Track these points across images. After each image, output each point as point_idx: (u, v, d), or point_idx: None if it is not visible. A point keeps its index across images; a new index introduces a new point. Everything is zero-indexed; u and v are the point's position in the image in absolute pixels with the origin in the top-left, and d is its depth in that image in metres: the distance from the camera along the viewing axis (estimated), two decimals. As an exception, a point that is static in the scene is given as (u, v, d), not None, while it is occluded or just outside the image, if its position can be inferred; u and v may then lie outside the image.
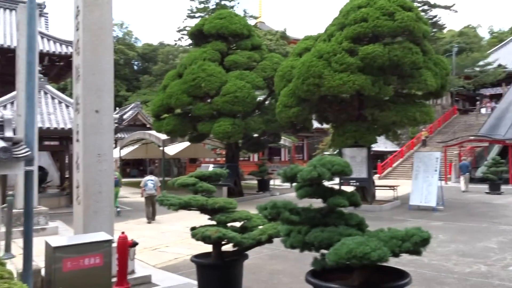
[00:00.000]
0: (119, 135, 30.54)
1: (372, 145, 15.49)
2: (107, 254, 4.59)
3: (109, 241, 4.68)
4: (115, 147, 29.55)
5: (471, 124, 34.39)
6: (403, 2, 13.67)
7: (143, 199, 13.63)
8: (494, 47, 50.10)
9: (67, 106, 16.25)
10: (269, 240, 5.10)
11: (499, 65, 40.93)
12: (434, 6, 40.82)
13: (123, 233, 5.64)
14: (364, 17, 13.05)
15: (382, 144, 33.76)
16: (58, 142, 16.98)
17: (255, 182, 23.90)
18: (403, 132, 34.91)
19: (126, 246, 5.61)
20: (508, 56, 43.51)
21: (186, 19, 49.50)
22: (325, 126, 22.97)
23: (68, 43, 18.71)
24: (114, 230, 5.93)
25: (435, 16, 41.19)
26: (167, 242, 9.86)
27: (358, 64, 12.83)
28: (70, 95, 20.96)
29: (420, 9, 38.01)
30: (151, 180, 13.38)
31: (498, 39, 59.54)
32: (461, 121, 35.73)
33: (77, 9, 5.52)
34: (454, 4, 41.51)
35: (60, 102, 16.51)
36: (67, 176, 17.71)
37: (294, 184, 3.78)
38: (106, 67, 5.55)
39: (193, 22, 39.25)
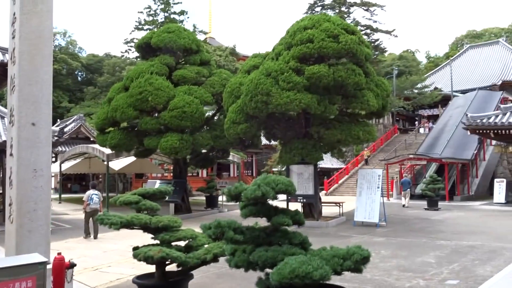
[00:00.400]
0: (60, 148, 29.15)
1: (319, 162, 15.83)
2: (40, 277, 4.28)
3: (44, 263, 4.38)
4: (55, 161, 28.13)
5: (410, 143, 36.24)
6: (347, 25, 14.27)
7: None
8: (431, 71, 53.57)
9: (1, 117, 15.29)
10: (215, 259, 5.02)
11: (435, 88, 43.76)
12: (376, 30, 43.06)
13: (59, 253, 5.32)
14: (310, 38, 13.46)
15: (328, 161, 34.70)
16: (-9, 156, 15.85)
17: (204, 198, 23.60)
18: (348, 149, 36.13)
19: (63, 268, 5.28)
20: (443, 79, 46.62)
21: (134, 31, 48.63)
22: (273, 143, 23.26)
23: (4, 51, 17.70)
24: (51, 250, 5.58)
25: (377, 40, 43.43)
26: (110, 262, 9.42)
27: (304, 83, 13.16)
28: (6, 105, 19.70)
29: (363, 32, 39.90)
30: (96, 194, 12.91)
31: (434, 63, 63.74)
32: (402, 140, 37.57)
33: (13, 16, 5.25)
34: (394, 30, 43.94)
35: (-6, 113, 15.51)
36: (0, 192, 16.55)
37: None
38: (44, 77, 5.28)
39: (141, 34, 38.71)
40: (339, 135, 14.15)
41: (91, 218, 12.85)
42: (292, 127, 15.68)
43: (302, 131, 15.29)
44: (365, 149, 34.65)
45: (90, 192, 12.97)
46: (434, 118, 42.93)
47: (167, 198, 10.40)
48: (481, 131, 22.07)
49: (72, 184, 37.59)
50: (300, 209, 15.27)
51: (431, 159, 26.87)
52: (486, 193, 27.32)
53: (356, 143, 16.04)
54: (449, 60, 50.98)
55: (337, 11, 42.72)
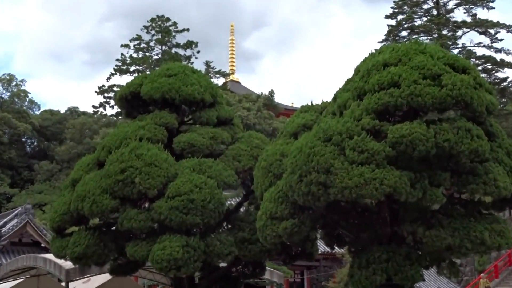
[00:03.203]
0: (-8, 260, 29.53)
1: (417, 284, 15.33)
2: None
3: None
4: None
5: None
6: (454, 59, 14.39)
7: None
8: None
9: None
10: None
11: None
12: (502, 64, 42.96)
13: None
14: (395, 81, 13.60)
15: (432, 282, 33.49)
16: None
17: None
18: (466, 262, 34.87)
19: None
20: None
21: (114, 74, 50.70)
22: (337, 250, 22.84)
23: None
24: None
25: (504, 80, 43.21)
26: None
27: (387, 153, 13.09)
28: None
29: (480, 69, 39.53)
30: None
31: None
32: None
33: None
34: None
35: None
36: None
37: None
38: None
39: (125, 80, 40.36)
40: (449, 238, 13.75)
41: None
42: (369, 224, 15.44)
43: (385, 231, 15.02)
44: (482, 274, 33.09)
45: None
46: None
47: None
48: None
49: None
50: None
51: None
52: None
53: (480, 251, 15.49)
54: None
55: (435, 36, 43.45)
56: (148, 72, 25.19)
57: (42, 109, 65.56)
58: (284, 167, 14.90)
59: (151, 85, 19.25)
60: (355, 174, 12.97)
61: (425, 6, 45.23)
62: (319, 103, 17.96)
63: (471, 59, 40.06)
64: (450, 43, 42.82)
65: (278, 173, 15.32)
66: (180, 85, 19.04)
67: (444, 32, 44.11)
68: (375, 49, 15.96)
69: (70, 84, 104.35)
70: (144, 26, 51.02)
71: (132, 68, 49.59)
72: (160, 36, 50.38)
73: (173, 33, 50.72)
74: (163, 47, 50.40)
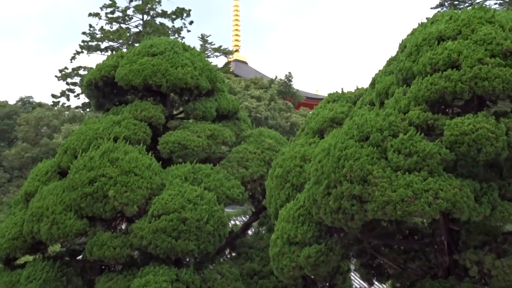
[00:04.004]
0: None
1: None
2: None
3: None
4: None
5: None
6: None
7: None
8: None
9: None
10: None
11: None
12: None
13: None
14: (453, 59, 13.53)
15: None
16: None
17: None
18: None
19: None
20: None
21: (80, 52, 50.62)
22: (377, 285, 22.88)
23: None
24: None
25: None
26: None
27: (444, 156, 13.07)
28: None
29: None
30: None
31: None
32: None
33: None
34: None
35: None
36: None
37: None
38: None
39: (95, 61, 40.16)
40: (526, 269, 13.75)
41: None
42: (420, 251, 15.42)
43: (442, 260, 15.01)
44: None
45: None
46: None
47: None
48: None
49: None
50: None
51: None
52: None
53: None
54: None
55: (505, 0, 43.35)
56: (125, 50, 25.15)
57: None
58: (306, 176, 14.92)
59: (129, 67, 19.26)
60: (401, 185, 12.93)
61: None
62: (352, 90, 17.96)
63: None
64: (527, 10, 42.65)
65: (298, 183, 15.34)
66: (168, 67, 19.03)
67: (519, -6, 43.87)
68: (427, 18, 15.92)
69: (22, 66, 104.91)
70: (119, -12, 51.30)
71: (104, 45, 49.56)
72: (140, 2, 50.22)
73: (158, -3, 50.61)
74: (145, 17, 50.28)
